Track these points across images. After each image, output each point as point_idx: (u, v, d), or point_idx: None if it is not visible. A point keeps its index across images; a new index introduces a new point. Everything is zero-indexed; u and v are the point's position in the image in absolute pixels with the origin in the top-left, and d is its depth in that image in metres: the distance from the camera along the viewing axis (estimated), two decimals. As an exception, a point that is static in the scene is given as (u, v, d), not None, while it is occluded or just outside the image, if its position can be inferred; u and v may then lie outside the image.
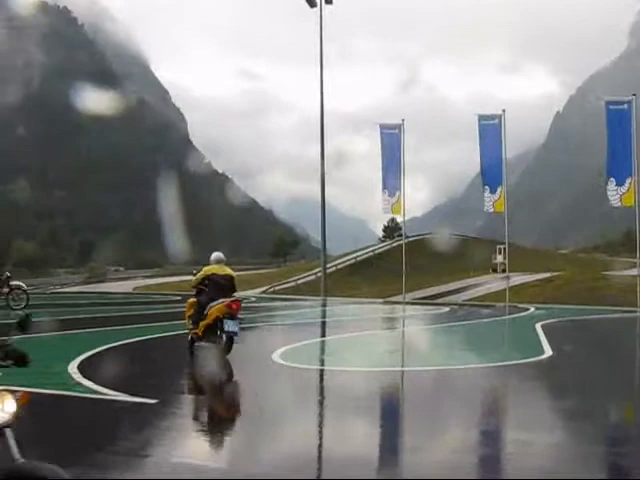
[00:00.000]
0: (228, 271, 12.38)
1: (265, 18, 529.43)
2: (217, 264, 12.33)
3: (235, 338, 11.65)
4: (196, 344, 11.70)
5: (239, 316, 11.94)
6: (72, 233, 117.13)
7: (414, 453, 6.26)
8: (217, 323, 11.56)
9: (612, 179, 26.26)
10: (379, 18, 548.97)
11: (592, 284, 33.91)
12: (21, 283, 23.76)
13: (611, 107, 27.00)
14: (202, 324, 11.60)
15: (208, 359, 11.12)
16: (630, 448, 6.66)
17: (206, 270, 12.19)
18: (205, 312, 11.64)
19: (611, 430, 7.40)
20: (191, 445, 6.57)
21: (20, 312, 18.22)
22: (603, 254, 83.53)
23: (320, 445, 6.74)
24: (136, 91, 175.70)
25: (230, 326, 11.63)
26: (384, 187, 31.73)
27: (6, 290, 21.90)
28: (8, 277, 22.60)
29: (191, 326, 11.94)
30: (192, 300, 12.32)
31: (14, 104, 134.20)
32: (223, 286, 12.00)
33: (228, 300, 11.75)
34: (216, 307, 11.62)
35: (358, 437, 7.09)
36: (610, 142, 26.85)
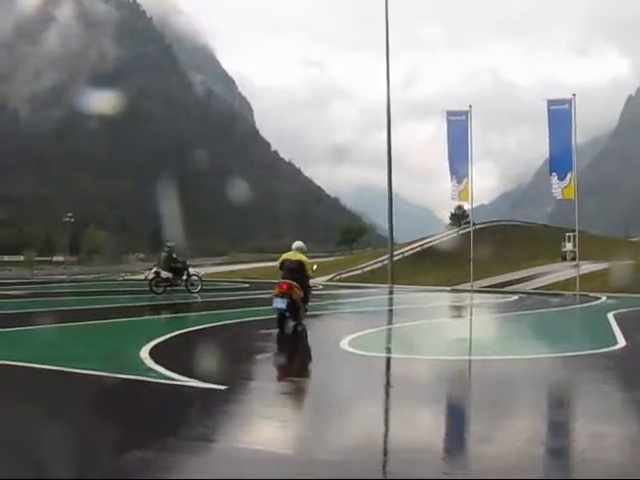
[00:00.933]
0: (299, 257, 14.17)
1: (329, 5, 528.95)
2: (293, 251, 14.32)
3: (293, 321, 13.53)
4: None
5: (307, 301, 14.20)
6: (142, 221, 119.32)
7: (484, 443, 6.19)
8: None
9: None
10: (444, 2, 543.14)
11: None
12: (197, 270, 27.62)
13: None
14: None
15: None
16: None
17: (282, 256, 14.36)
18: None
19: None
20: (258, 431, 6.62)
21: (196, 295, 24.48)
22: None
23: (387, 433, 6.72)
24: (204, 82, 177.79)
25: (277, 303, 13.48)
26: (451, 174, 31.42)
27: (185, 277, 25.12)
28: (187, 265, 25.59)
29: None
30: None
31: (87, 97, 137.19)
32: (293, 270, 13.89)
33: (282, 281, 13.69)
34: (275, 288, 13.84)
35: (426, 426, 7.04)
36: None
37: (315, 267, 15.37)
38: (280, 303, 13.39)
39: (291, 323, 13.79)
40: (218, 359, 10.54)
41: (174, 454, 5.58)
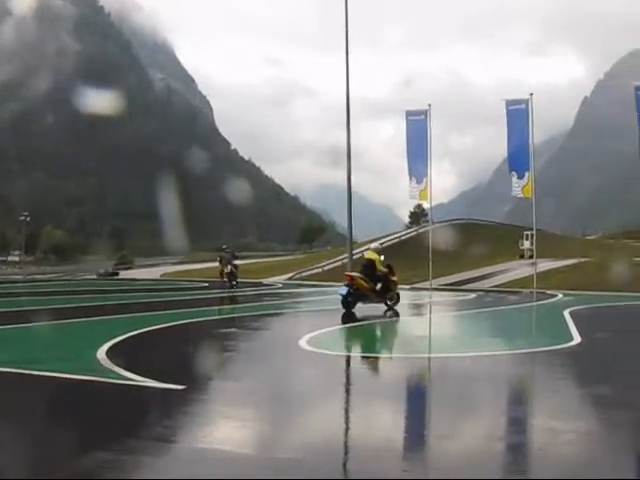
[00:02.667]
0: (369, 255, 19.12)
1: (290, 3, 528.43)
2: (369, 250, 19.42)
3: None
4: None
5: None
6: (101, 220, 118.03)
7: (443, 440, 6.23)
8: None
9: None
10: (404, 2, 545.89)
11: (621, 270, 33.58)
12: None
13: (641, 91, 26.61)
14: None
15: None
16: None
17: (363, 255, 19.52)
18: None
19: (637, 416, 7.33)
20: (218, 431, 6.58)
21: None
22: (632, 240, 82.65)
23: (347, 431, 6.72)
24: (163, 79, 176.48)
25: (340, 290, 18.27)
26: (410, 173, 31.58)
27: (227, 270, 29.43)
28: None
29: None
30: None
31: (44, 93, 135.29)
32: (365, 266, 18.75)
33: (347, 274, 18.94)
34: None
35: (385, 424, 7.06)
36: (640, 127, 26.48)
37: (383, 264, 18.87)
38: (342, 290, 18.05)
39: (358, 304, 17.94)
40: (176, 359, 10.48)
41: (133, 455, 5.52)
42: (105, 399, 7.74)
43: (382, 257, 19.13)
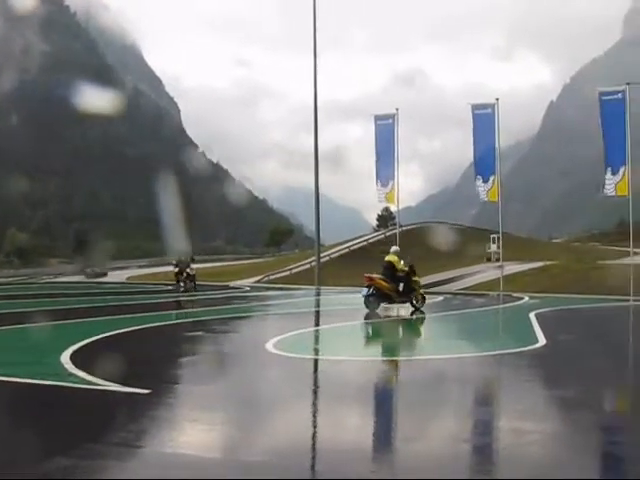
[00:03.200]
0: (389, 258, 19.79)
1: (259, 5, 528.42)
2: (390, 253, 19.95)
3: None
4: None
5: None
6: (66, 223, 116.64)
7: (409, 442, 6.23)
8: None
9: (609, 168, 26.31)
10: (372, 6, 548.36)
11: (586, 273, 33.97)
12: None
13: (605, 97, 27.04)
14: None
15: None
16: (622, 437, 6.65)
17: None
18: None
19: (603, 418, 7.40)
20: (183, 435, 6.52)
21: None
22: (597, 243, 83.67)
23: (314, 434, 6.71)
24: (130, 80, 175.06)
25: (362, 291, 19.50)
26: (378, 177, 31.75)
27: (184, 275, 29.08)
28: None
29: None
30: None
31: (8, 92, 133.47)
32: (385, 267, 19.65)
33: (366, 275, 19.59)
34: None
35: (350, 425, 7.06)
36: (604, 132, 26.89)
37: (403, 265, 19.69)
38: (364, 291, 19.35)
39: (382, 304, 19.33)
40: (141, 363, 10.38)
41: (97, 460, 5.45)
42: (68, 404, 7.65)
43: (402, 261, 19.86)
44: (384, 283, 19.26)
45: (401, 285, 19.42)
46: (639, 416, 7.52)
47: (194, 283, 29.22)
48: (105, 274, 56.20)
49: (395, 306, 19.98)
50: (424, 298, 20.07)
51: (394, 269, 19.50)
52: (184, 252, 31.06)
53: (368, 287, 19.33)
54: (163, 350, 12.55)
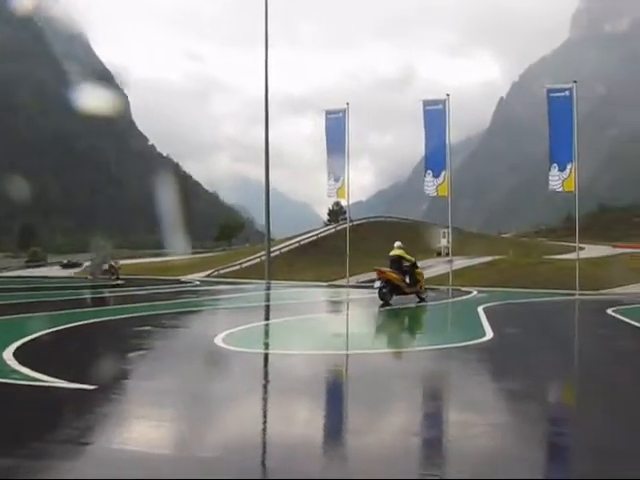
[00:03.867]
0: (395, 252, 21.24)
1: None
2: (395, 248, 21.33)
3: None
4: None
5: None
6: (12, 217, 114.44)
7: (360, 436, 6.25)
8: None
9: (554, 165, 26.72)
10: (323, 1, 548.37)
11: (533, 268, 34.56)
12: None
13: (552, 94, 27.45)
14: None
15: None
16: (564, 427, 6.76)
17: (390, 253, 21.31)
18: None
19: (548, 410, 7.52)
20: (130, 431, 6.43)
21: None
22: (544, 238, 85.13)
23: (264, 428, 6.67)
24: (77, 71, 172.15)
25: (376, 283, 20.57)
26: (329, 171, 31.75)
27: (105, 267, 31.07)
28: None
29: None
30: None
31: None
32: (392, 261, 21.07)
33: (378, 269, 20.74)
34: None
35: (302, 421, 7.05)
36: (552, 128, 27.31)
37: (411, 258, 21.41)
38: (378, 283, 20.39)
39: (394, 297, 20.35)
40: (87, 358, 10.23)
41: (40, 459, 5.34)
42: (9, 401, 7.48)
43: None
44: (394, 274, 20.57)
45: (407, 277, 20.96)
46: (582, 407, 7.67)
47: (116, 276, 29.58)
48: (81, 265, 54.54)
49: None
50: (426, 289, 22.24)
51: (400, 262, 21.01)
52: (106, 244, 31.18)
53: (380, 280, 20.46)
54: (110, 346, 12.38)
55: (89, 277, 28.57)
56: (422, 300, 21.15)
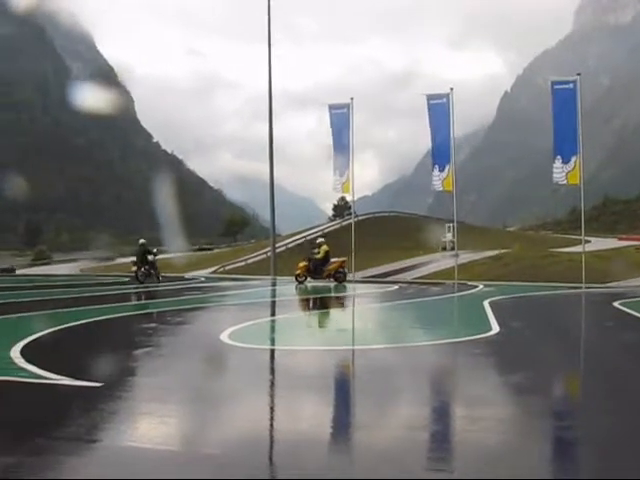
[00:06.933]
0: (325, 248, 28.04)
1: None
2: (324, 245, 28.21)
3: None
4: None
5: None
6: (17, 214, 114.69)
7: (367, 431, 6.23)
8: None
9: (558, 157, 26.62)
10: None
11: (539, 261, 34.45)
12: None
13: (557, 87, 27.33)
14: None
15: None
16: (573, 421, 6.74)
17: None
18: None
19: (553, 402, 7.50)
20: (137, 428, 6.43)
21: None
22: (550, 232, 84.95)
23: (271, 424, 6.67)
24: (81, 68, 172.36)
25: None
26: (334, 166, 31.70)
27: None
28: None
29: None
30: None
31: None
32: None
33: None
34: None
35: (310, 417, 7.03)
36: (556, 121, 27.18)
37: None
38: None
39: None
40: (94, 356, 10.22)
41: (45, 456, 5.34)
42: (16, 399, 7.48)
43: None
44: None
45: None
46: (588, 400, 7.63)
47: (157, 274, 28.95)
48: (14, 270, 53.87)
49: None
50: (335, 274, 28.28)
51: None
52: (142, 243, 30.35)
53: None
54: (116, 343, 12.39)
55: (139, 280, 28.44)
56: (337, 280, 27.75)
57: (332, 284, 27.69)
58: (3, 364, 8.96)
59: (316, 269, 27.46)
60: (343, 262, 28.85)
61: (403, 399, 7.63)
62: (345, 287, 27.16)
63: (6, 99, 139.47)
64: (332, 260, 28.26)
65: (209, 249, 73.77)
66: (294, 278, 27.75)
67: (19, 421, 6.48)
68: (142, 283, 27.95)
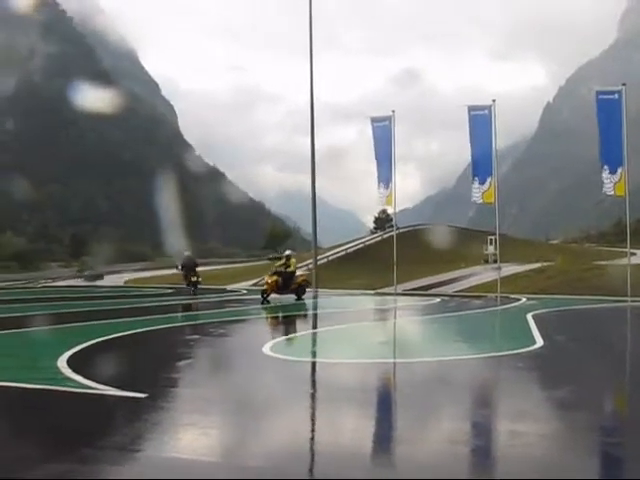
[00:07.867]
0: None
1: (254, 9, 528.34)
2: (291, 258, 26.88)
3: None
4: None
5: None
6: (63, 227, 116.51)
7: (410, 445, 6.22)
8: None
9: (605, 168, 26.29)
10: (367, 8, 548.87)
11: (583, 274, 33.96)
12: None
13: (601, 97, 27.00)
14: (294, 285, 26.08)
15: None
16: (620, 438, 6.64)
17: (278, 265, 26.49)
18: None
19: (601, 419, 7.40)
20: (181, 439, 6.50)
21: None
22: (594, 244, 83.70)
23: (313, 437, 6.68)
24: (126, 84, 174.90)
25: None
26: (378, 179, 31.68)
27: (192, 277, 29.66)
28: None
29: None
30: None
31: (5, 97, 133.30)
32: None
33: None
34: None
35: (352, 430, 7.02)
36: (601, 132, 26.85)
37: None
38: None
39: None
40: (138, 367, 10.35)
41: (92, 465, 5.43)
42: (64, 408, 7.61)
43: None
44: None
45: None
46: (635, 416, 7.52)
47: (196, 286, 29.44)
48: (102, 277, 55.95)
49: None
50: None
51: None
52: (188, 255, 31.03)
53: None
54: (161, 354, 12.52)
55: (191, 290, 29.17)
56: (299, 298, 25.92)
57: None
58: (50, 374, 9.12)
59: (285, 283, 26.04)
60: (306, 277, 29.33)
61: (446, 413, 7.60)
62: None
63: (52, 115, 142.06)
64: (297, 274, 27.38)
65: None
66: (260, 294, 25.57)
67: (67, 430, 6.60)
68: (195, 294, 28.61)
